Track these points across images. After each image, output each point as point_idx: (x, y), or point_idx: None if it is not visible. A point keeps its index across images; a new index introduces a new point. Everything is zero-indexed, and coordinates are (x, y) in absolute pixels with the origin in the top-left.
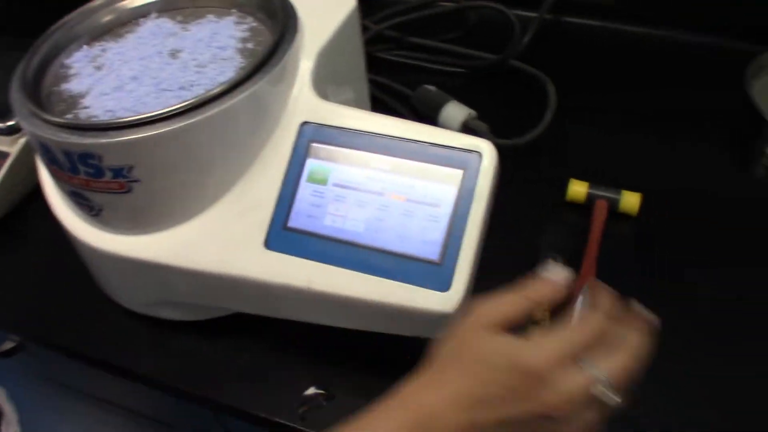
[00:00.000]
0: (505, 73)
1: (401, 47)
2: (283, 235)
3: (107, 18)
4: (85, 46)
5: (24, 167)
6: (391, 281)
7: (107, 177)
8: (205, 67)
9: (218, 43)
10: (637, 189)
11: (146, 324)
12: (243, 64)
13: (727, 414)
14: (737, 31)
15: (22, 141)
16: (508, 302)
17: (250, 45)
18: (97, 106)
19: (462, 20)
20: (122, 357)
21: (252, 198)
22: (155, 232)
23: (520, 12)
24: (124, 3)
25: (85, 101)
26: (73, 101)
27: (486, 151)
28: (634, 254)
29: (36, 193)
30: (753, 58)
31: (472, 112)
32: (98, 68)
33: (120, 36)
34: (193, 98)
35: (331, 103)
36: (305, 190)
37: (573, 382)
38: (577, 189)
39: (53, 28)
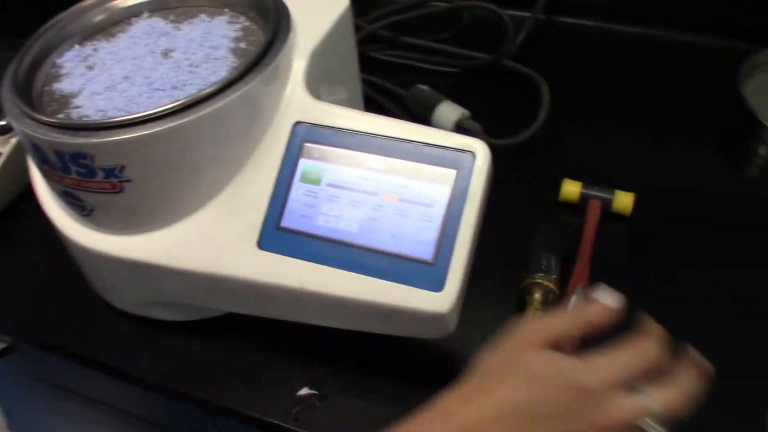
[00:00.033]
0: (498, 73)
1: (394, 47)
2: (276, 235)
3: (99, 17)
4: (76, 46)
5: (16, 167)
6: (385, 281)
7: (99, 177)
8: (198, 66)
9: (211, 43)
10: (630, 189)
11: (139, 324)
12: (236, 64)
13: (722, 414)
14: (731, 30)
15: (13, 141)
16: (558, 322)
17: (242, 44)
18: (89, 106)
19: (455, 20)
20: (114, 358)
21: (245, 198)
22: (147, 232)
23: (513, 12)
24: (116, 2)
25: (77, 101)
26: (65, 101)
27: (479, 150)
28: (627, 254)
29: (28, 193)
30: (746, 58)
31: (466, 112)
32: (90, 68)
33: (112, 35)
34: (185, 98)
35: (324, 103)
36: (298, 190)
37: (624, 407)
38: (571, 189)
39: (44, 27)
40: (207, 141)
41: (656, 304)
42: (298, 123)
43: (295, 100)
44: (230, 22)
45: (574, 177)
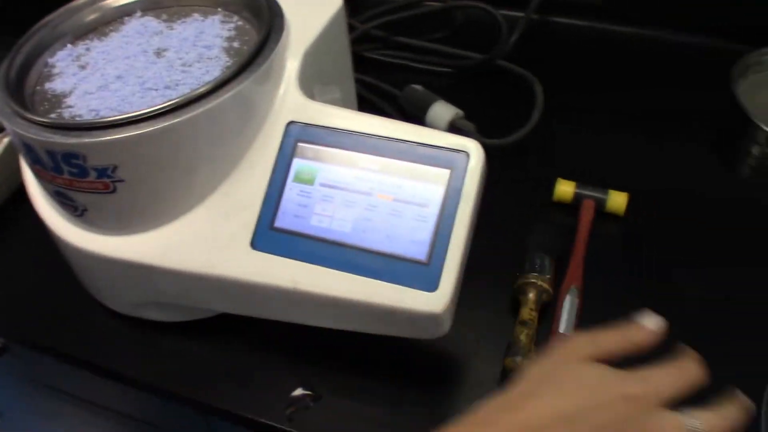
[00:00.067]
0: (492, 73)
1: (388, 47)
2: (269, 236)
3: (91, 16)
4: (69, 45)
5: (8, 167)
6: (379, 281)
7: (91, 177)
8: (191, 66)
9: (204, 42)
10: (624, 189)
11: (132, 325)
12: (229, 64)
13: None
14: (724, 31)
15: (5, 141)
16: (604, 339)
17: (236, 44)
18: (82, 106)
19: (449, 20)
20: (108, 358)
21: (238, 198)
22: (140, 233)
23: (506, 12)
24: (108, 1)
25: (69, 100)
26: (57, 101)
27: (473, 150)
28: (621, 254)
29: (20, 193)
30: (739, 58)
31: (460, 112)
32: (82, 67)
33: (104, 35)
34: (178, 97)
35: (318, 103)
36: (292, 190)
37: (670, 422)
38: (564, 189)
39: (36, 26)
40: (200, 141)
41: (649, 304)
42: (291, 123)
43: (289, 99)
44: (223, 22)
45: (567, 177)
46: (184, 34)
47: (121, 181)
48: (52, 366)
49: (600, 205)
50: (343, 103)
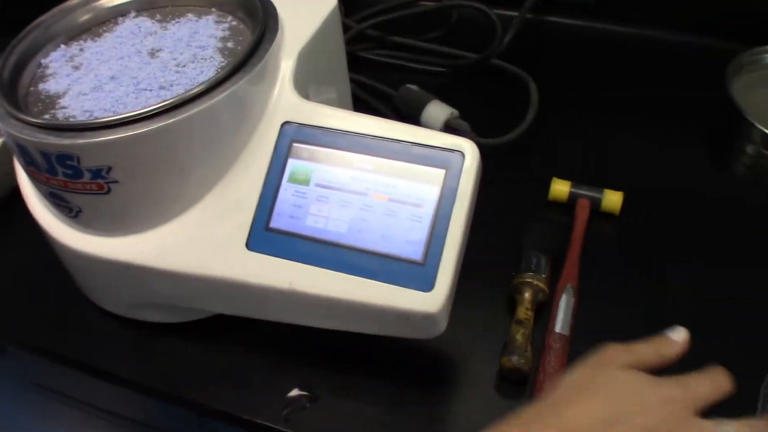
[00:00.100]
0: (487, 73)
1: (383, 46)
2: (265, 236)
3: (85, 17)
4: (62, 46)
5: (2, 169)
6: (374, 282)
7: (86, 178)
8: (185, 66)
9: (198, 43)
10: (619, 188)
11: (128, 326)
12: (223, 64)
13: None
14: (718, 30)
15: None
16: (638, 349)
17: (230, 44)
18: (75, 107)
19: (443, 19)
20: (104, 360)
21: (233, 199)
22: (135, 234)
23: (501, 11)
24: (102, 2)
25: (63, 101)
26: (51, 101)
27: (468, 150)
28: (616, 253)
29: (14, 195)
30: (733, 57)
31: (455, 112)
32: (76, 68)
33: (98, 35)
34: (172, 98)
35: (313, 103)
36: (287, 191)
37: (707, 428)
38: (560, 188)
39: (29, 27)
40: (194, 141)
41: (644, 302)
42: (286, 123)
43: (283, 100)
44: (217, 22)
45: (562, 176)
46: (178, 35)
47: (115, 182)
48: (47, 367)
49: (595, 204)
50: (338, 103)
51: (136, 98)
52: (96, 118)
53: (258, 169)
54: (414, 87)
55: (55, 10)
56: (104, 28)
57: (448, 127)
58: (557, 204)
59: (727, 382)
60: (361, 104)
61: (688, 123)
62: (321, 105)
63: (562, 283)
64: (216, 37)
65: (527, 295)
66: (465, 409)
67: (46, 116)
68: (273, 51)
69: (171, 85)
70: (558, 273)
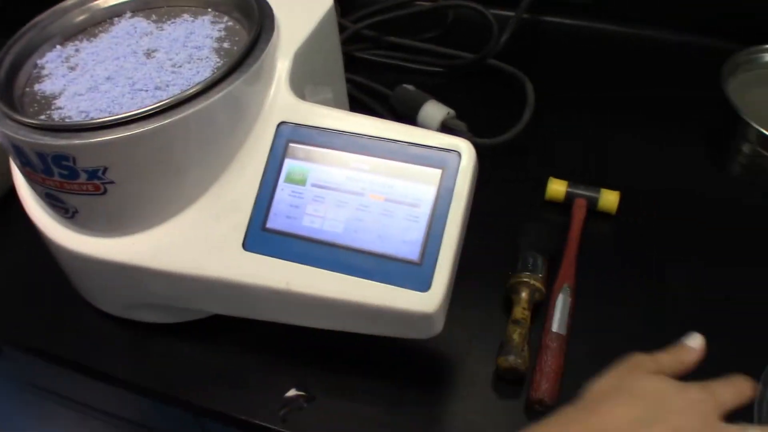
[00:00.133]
0: (483, 72)
1: (379, 47)
2: (261, 237)
3: (80, 17)
4: (58, 46)
5: None
6: (371, 282)
7: (82, 179)
8: (181, 67)
9: (194, 43)
10: (615, 187)
11: (124, 327)
12: (219, 64)
13: None
14: (714, 29)
15: None
16: (661, 357)
17: (226, 44)
18: (71, 107)
19: (439, 19)
20: (100, 361)
21: (230, 199)
22: (132, 234)
23: (497, 11)
24: (97, 2)
25: (59, 102)
26: (47, 102)
27: (465, 150)
28: (613, 252)
29: (10, 195)
30: (729, 57)
31: (451, 112)
32: (72, 68)
33: (94, 36)
34: (168, 98)
35: (309, 103)
36: (283, 191)
37: (732, 431)
38: (556, 188)
39: (25, 27)
40: (191, 142)
41: (641, 302)
42: (282, 123)
43: (280, 100)
44: (213, 22)
45: (559, 176)
46: (174, 35)
47: (111, 182)
48: (43, 368)
49: (592, 203)
50: (335, 104)
51: (132, 99)
52: (92, 119)
53: (254, 170)
54: (410, 87)
55: (50, 10)
56: (100, 29)
57: (445, 127)
58: (554, 204)
59: (749, 388)
60: (357, 104)
61: (685, 123)
62: (317, 105)
63: (559, 282)
64: (212, 38)
65: (524, 294)
66: (462, 408)
67: (42, 117)
68: (269, 51)
69: (167, 86)
70: (555, 273)
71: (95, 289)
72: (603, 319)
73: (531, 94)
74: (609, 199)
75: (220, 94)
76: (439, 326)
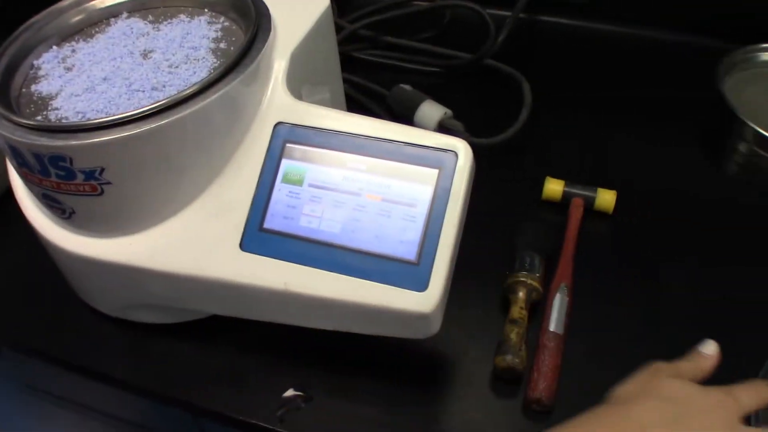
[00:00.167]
0: (480, 72)
1: (376, 47)
2: (258, 237)
3: (77, 18)
4: (54, 47)
5: None
6: (368, 282)
7: (78, 179)
8: (178, 67)
9: (191, 43)
10: (612, 187)
11: (122, 327)
12: (216, 65)
13: None
14: (710, 29)
15: None
16: (683, 365)
17: (222, 45)
18: (68, 108)
19: (436, 19)
20: (99, 361)
21: (227, 199)
22: (129, 235)
23: (494, 11)
24: (93, 3)
25: (56, 103)
26: (43, 103)
27: (462, 150)
28: (610, 251)
29: (7, 196)
30: (725, 56)
31: (448, 112)
32: (68, 69)
33: (90, 36)
34: (165, 99)
35: (306, 103)
36: (281, 191)
37: (751, 430)
38: (553, 187)
39: (21, 28)
40: (187, 142)
41: (638, 301)
42: (279, 123)
43: (276, 100)
44: (210, 23)
45: (556, 175)
46: (170, 36)
47: (108, 183)
48: (42, 369)
49: (589, 203)
50: (332, 104)
51: (129, 99)
52: (88, 120)
53: (251, 170)
54: (407, 87)
55: (46, 11)
56: (96, 29)
57: (442, 127)
58: (551, 203)
59: (766, 390)
60: (354, 104)
61: (681, 122)
62: (314, 105)
63: (556, 282)
64: (208, 38)
65: (521, 294)
66: (459, 408)
67: (39, 117)
68: (266, 51)
69: (164, 86)
70: (552, 272)
71: (93, 290)
72: (600, 318)
73: (528, 94)
74: (606, 198)
75: (217, 95)
76: (436, 326)
